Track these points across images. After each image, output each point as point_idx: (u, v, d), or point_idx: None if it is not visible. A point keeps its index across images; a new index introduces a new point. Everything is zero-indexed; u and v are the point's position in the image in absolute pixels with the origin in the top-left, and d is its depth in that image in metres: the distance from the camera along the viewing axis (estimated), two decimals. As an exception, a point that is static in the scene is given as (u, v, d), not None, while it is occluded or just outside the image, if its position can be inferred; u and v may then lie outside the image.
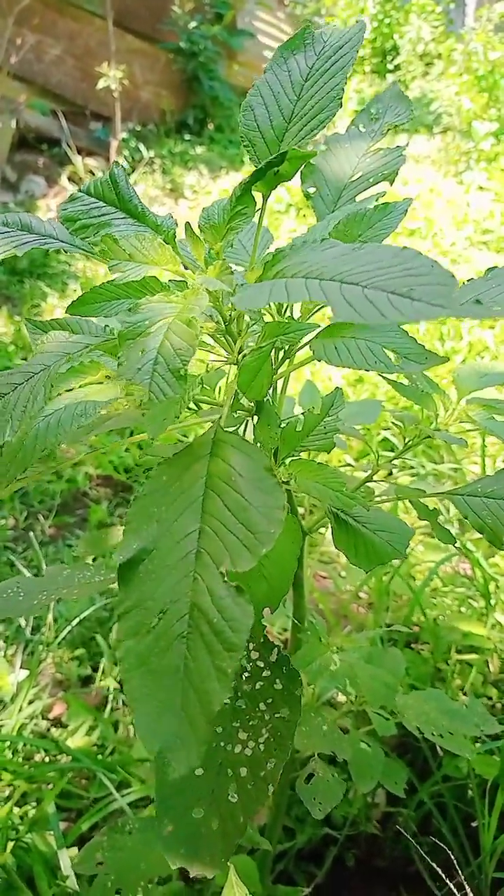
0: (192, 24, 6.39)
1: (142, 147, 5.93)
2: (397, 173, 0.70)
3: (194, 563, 0.47)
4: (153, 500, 0.51)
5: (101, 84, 5.40)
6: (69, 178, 5.43)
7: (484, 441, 1.70)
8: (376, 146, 0.74)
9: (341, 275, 0.40)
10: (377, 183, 0.71)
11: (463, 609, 1.62)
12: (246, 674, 0.68)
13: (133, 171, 5.71)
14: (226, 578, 0.45)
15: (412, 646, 1.56)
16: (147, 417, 0.53)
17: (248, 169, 6.07)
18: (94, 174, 5.45)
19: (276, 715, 0.65)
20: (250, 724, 0.65)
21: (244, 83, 7.59)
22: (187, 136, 6.62)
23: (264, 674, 0.67)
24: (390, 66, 7.76)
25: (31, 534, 2.13)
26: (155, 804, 0.62)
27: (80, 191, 0.61)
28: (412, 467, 2.15)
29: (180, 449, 0.55)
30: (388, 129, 0.73)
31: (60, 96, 5.84)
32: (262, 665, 0.68)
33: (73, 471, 2.48)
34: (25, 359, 1.78)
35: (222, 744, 0.65)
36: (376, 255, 0.40)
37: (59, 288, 4.16)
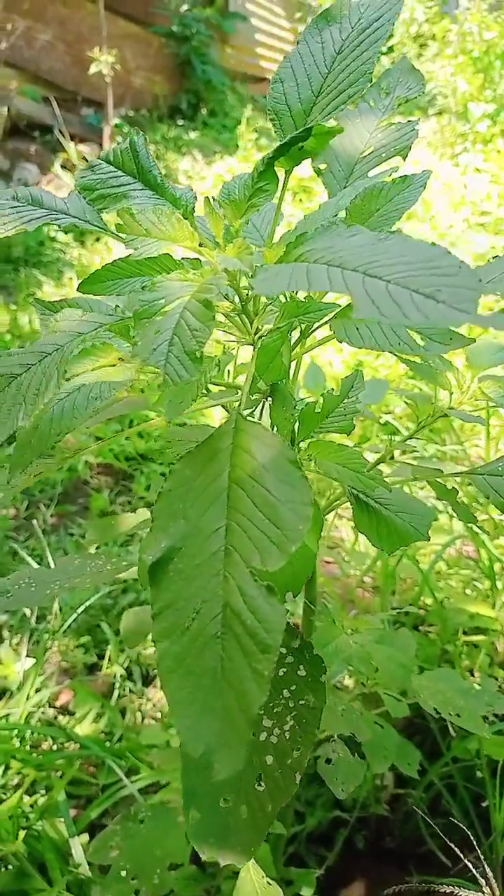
0: (185, 8, 6.31)
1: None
2: (410, 148, 0.69)
3: (223, 561, 0.45)
4: (178, 495, 0.49)
5: (92, 69, 5.33)
6: (62, 165, 5.37)
7: (488, 422, 1.69)
8: (388, 121, 0.72)
9: (365, 266, 0.38)
10: (389, 158, 0.70)
11: (468, 591, 1.61)
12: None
13: (126, 158, 5.65)
14: (256, 577, 0.43)
15: (419, 628, 1.56)
16: (165, 400, 0.52)
17: (243, 154, 6.02)
18: (87, 161, 5.39)
19: (301, 702, 0.64)
20: (275, 711, 0.64)
21: (237, 67, 7.51)
22: (181, 121, 6.56)
23: (287, 660, 0.66)
24: (384, 48, 7.69)
25: (34, 522, 2.12)
26: (182, 794, 0.61)
27: (99, 158, 0.59)
28: (415, 449, 2.14)
29: (201, 438, 0.53)
30: (400, 104, 0.72)
31: (52, 82, 5.77)
32: (284, 651, 0.66)
33: (73, 459, 2.46)
34: (22, 347, 1.75)
35: (247, 731, 0.64)
36: (403, 248, 0.38)
37: (54, 276, 4.13)
